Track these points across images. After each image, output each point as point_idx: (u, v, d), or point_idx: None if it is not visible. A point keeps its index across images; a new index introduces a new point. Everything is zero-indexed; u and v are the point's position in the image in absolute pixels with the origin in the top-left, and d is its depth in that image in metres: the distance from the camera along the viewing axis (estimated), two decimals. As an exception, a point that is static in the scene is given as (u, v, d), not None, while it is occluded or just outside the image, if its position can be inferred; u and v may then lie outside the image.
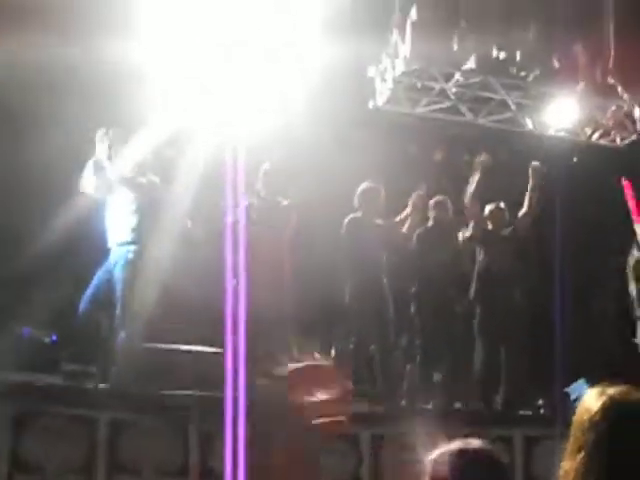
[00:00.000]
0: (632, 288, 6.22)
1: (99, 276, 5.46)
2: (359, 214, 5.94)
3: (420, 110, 6.08)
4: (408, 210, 5.98)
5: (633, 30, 6.64)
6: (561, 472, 1.68)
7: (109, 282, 5.42)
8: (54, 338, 5.69)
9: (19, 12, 5.59)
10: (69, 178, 5.55)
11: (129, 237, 5.43)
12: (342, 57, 5.80)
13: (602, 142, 6.43)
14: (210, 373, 5.10)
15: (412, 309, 6.07)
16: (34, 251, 5.40)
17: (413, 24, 6.01)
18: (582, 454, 1.60)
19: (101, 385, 5.24)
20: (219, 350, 5.09)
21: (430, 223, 6.10)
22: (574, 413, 1.66)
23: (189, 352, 5.53)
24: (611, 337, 6.68)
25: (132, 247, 5.42)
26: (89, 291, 5.41)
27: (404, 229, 5.98)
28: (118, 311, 5.33)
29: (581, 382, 5.89)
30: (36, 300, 5.63)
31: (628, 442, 1.56)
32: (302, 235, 5.92)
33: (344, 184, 6.25)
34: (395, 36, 5.99)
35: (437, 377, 6.02)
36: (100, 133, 5.51)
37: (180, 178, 5.59)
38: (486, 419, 5.81)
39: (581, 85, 6.40)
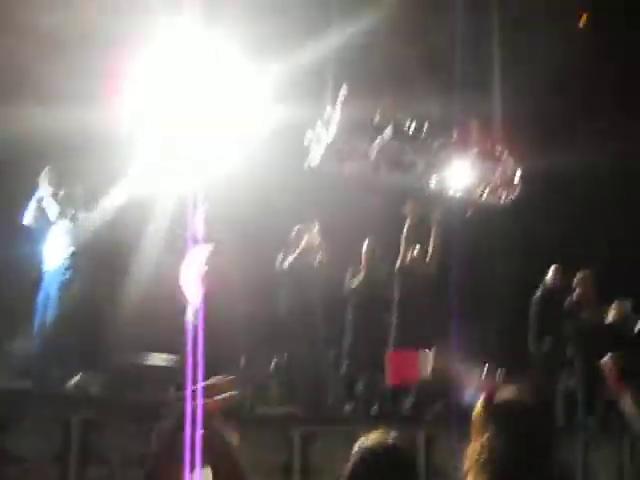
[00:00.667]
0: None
1: (40, 299, 6.22)
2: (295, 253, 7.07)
3: (346, 170, 7.33)
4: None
5: (516, 107, 8.15)
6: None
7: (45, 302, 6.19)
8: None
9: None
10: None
11: (64, 262, 6.22)
12: (285, 122, 6.95)
13: (491, 199, 7.83)
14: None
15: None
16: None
17: (343, 99, 7.28)
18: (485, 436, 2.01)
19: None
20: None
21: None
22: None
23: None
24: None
25: (66, 271, 6.20)
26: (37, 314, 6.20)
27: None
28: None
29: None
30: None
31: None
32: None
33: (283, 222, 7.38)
34: (328, 108, 7.25)
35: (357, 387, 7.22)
36: (43, 172, 6.30)
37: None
38: (395, 421, 6.99)
39: (474, 151, 7.83)
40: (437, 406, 7.22)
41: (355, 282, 7.30)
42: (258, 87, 6.82)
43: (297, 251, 7.01)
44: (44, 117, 5.96)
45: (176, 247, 6.41)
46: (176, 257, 6.28)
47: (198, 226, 6.14)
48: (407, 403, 7.21)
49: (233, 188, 6.56)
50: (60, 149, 6.41)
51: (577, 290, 7.78)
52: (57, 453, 5.71)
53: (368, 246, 7.36)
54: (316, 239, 7.06)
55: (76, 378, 6.12)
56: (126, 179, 6.41)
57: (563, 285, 7.78)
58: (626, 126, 8.32)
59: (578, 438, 7.27)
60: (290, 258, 7.00)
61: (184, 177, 6.35)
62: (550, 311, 7.62)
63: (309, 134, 7.26)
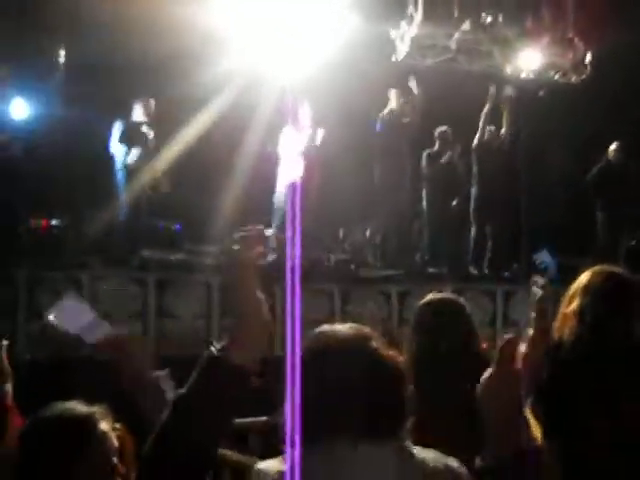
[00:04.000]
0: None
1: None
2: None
3: (429, 62, 8.04)
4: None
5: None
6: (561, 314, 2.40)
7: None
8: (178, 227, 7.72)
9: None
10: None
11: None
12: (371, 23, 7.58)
13: (562, 80, 8.41)
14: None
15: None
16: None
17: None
18: (575, 304, 2.36)
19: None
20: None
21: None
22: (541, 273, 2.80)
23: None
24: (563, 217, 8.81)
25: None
26: None
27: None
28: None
29: (544, 251, 8.03)
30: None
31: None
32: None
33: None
34: (410, 7, 7.91)
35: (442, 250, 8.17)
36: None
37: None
38: (477, 278, 7.97)
39: (546, 38, 8.34)
40: (514, 266, 8.14)
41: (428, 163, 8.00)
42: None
43: (387, 110, 7.55)
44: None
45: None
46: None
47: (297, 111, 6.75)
48: (486, 263, 8.15)
49: (328, 79, 7.00)
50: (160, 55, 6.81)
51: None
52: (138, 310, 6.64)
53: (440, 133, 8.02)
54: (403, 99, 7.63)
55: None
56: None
57: (623, 162, 8.07)
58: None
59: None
60: (382, 116, 7.58)
61: (280, 71, 6.55)
62: (611, 186, 7.94)
63: (394, 32, 7.97)
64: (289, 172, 6.98)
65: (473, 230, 8.04)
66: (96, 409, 1.78)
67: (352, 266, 7.57)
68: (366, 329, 1.50)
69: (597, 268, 2.49)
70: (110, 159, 7.01)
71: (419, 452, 1.44)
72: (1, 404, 2.30)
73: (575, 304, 2.41)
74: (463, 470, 1.46)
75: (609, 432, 2.21)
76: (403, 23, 7.85)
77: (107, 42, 6.81)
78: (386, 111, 7.69)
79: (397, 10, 7.83)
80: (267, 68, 6.78)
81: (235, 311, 1.46)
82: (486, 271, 8.04)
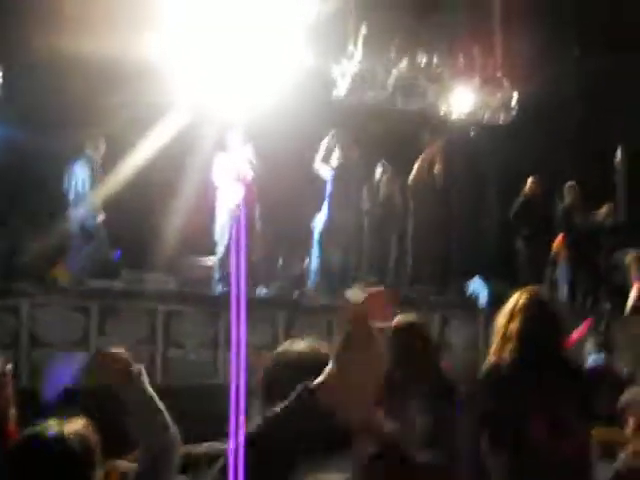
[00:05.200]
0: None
1: None
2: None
3: (368, 99, 8.36)
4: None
5: (515, 36, 9.04)
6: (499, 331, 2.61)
7: None
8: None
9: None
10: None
11: None
12: (312, 60, 7.83)
13: (491, 121, 8.86)
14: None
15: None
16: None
17: (363, 36, 8.24)
18: (515, 321, 2.59)
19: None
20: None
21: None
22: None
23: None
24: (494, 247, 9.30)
25: None
26: None
27: None
28: None
29: (476, 279, 8.42)
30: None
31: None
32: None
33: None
34: (351, 46, 8.24)
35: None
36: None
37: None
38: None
39: (477, 78, 8.80)
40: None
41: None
42: (290, 29, 7.66)
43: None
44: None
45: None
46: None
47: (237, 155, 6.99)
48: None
49: (268, 121, 7.39)
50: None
51: (567, 198, 8.83)
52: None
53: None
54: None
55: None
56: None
57: (540, 193, 8.65)
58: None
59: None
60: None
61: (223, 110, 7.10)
62: (530, 217, 8.47)
63: (335, 69, 8.27)
64: (229, 200, 7.13)
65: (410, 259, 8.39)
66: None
67: (295, 293, 7.74)
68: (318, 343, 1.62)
69: (524, 291, 2.71)
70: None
71: None
72: (5, 429, 2.32)
73: (513, 325, 2.61)
74: None
75: (551, 447, 2.35)
76: (344, 60, 8.16)
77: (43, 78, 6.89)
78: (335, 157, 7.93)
79: (338, 48, 8.14)
80: (208, 101, 6.96)
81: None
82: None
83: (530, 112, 8.73)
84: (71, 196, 7.19)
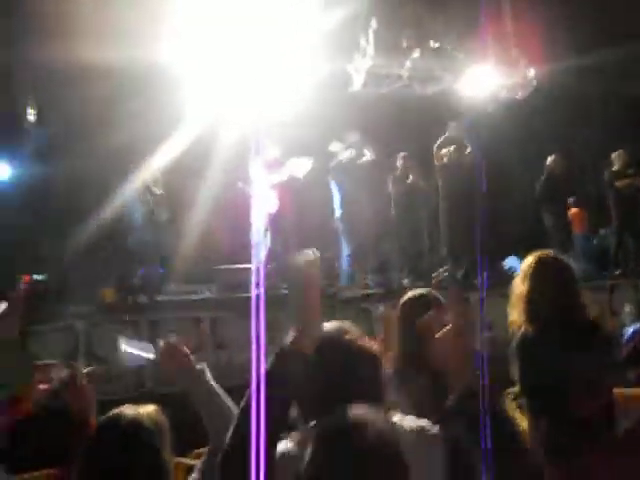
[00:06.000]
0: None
1: None
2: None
3: (383, 90, 8.45)
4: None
5: (526, 17, 8.99)
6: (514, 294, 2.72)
7: None
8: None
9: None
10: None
11: None
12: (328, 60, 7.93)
13: (508, 97, 8.88)
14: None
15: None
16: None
17: (374, 31, 8.33)
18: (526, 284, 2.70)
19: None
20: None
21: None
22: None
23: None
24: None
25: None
26: None
27: None
28: None
29: (512, 257, 8.43)
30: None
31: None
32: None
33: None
34: (363, 41, 8.34)
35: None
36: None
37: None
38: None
39: (492, 59, 8.78)
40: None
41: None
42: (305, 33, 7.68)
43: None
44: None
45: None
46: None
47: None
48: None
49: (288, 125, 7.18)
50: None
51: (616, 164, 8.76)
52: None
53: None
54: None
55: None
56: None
57: (564, 170, 8.75)
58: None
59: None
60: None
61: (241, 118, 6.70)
62: (555, 194, 8.58)
63: (349, 66, 8.37)
64: (263, 207, 7.31)
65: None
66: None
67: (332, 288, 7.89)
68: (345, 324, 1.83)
69: (537, 254, 2.80)
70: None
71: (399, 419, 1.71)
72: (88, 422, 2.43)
73: (523, 288, 2.73)
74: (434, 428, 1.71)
75: (594, 413, 2.39)
76: (357, 56, 8.26)
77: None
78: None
79: (351, 45, 8.25)
80: (230, 107, 6.99)
81: (301, 309, 1.73)
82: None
83: (552, 88, 8.71)
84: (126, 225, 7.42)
